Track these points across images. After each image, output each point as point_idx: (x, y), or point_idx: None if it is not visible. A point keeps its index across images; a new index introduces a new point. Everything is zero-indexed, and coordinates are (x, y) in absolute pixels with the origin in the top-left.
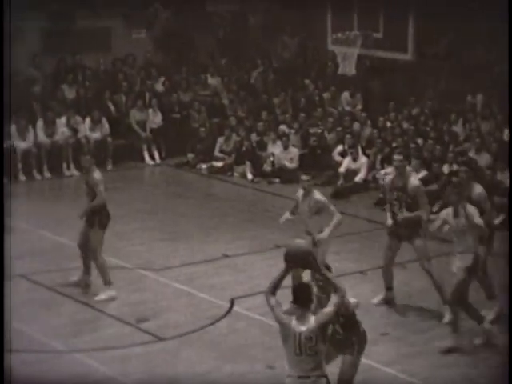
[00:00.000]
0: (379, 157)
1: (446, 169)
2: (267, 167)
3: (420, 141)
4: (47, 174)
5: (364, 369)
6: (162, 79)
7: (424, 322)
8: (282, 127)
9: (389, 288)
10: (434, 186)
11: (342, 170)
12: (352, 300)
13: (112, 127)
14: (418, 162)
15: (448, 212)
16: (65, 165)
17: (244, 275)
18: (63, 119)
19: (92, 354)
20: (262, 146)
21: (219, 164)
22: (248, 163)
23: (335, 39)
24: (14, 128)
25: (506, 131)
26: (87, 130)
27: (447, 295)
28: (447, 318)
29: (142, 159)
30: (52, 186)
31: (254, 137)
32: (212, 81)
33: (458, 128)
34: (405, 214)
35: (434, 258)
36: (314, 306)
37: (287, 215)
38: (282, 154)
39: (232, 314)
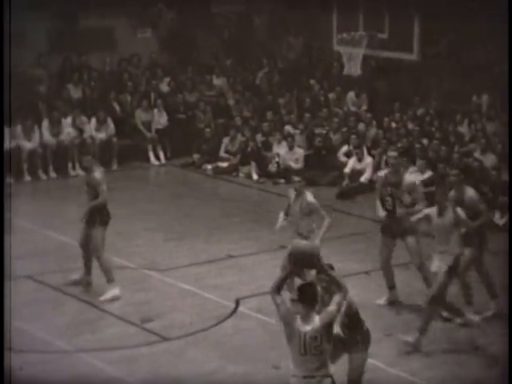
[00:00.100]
0: (384, 157)
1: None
2: (272, 168)
3: (425, 141)
4: (53, 174)
5: (368, 369)
6: (168, 79)
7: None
8: (288, 128)
9: (391, 287)
10: None
11: (347, 170)
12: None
13: (117, 127)
14: (423, 162)
15: (433, 210)
16: (70, 165)
17: (249, 275)
18: (69, 119)
19: (97, 354)
20: (268, 146)
21: (224, 164)
22: (253, 164)
23: (341, 40)
24: (19, 128)
25: None
26: (93, 130)
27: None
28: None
29: (148, 159)
30: (57, 186)
31: (259, 137)
32: (217, 81)
33: (463, 128)
34: (403, 210)
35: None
36: (318, 305)
37: (281, 220)
38: (288, 154)
39: (237, 314)
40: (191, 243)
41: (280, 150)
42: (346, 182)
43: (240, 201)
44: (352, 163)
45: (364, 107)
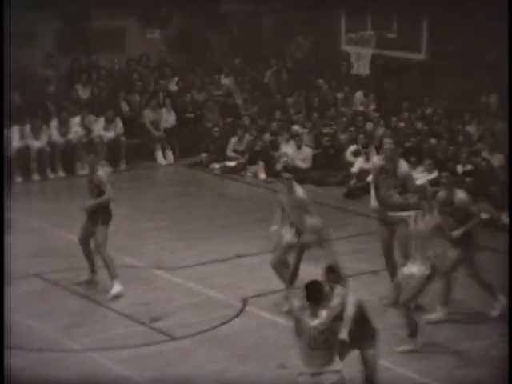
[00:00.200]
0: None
1: (459, 169)
2: (280, 167)
3: (433, 141)
4: (61, 173)
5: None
6: (176, 79)
7: (436, 323)
8: (295, 127)
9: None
10: None
11: (354, 169)
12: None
13: (126, 127)
14: (430, 162)
15: (411, 214)
16: (78, 164)
17: (257, 275)
18: (77, 119)
19: (105, 352)
20: (275, 145)
21: (232, 164)
22: (261, 163)
23: (349, 39)
24: (28, 127)
25: None
26: (101, 129)
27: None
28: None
29: (156, 159)
30: (66, 185)
31: (267, 136)
32: (226, 81)
33: (471, 128)
34: (396, 198)
35: None
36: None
37: (274, 230)
38: (295, 153)
39: (244, 313)
40: (199, 242)
41: (288, 149)
42: (353, 182)
43: (248, 200)
44: (360, 163)
45: (372, 107)
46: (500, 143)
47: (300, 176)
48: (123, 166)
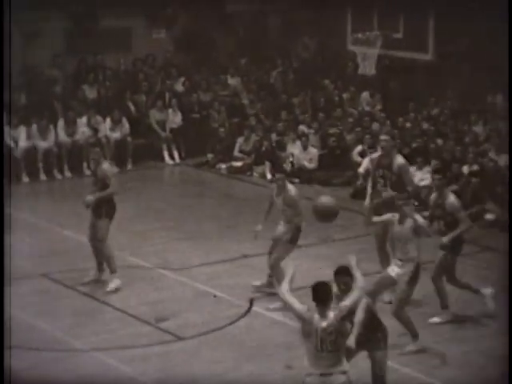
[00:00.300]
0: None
1: (465, 169)
2: (286, 167)
3: (440, 141)
4: (68, 173)
5: None
6: (182, 79)
7: (442, 324)
8: (302, 127)
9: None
10: (453, 187)
11: (361, 170)
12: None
13: (132, 127)
14: (437, 162)
15: (394, 216)
16: (85, 164)
17: (263, 275)
18: (84, 119)
19: (111, 352)
20: (282, 146)
21: (238, 164)
22: (267, 163)
23: (355, 39)
24: (35, 128)
25: None
26: (107, 129)
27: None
28: None
29: (162, 159)
30: (72, 185)
31: (273, 137)
32: (232, 81)
33: (478, 128)
34: (390, 192)
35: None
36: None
37: (259, 229)
38: (302, 154)
39: (251, 313)
40: (205, 242)
41: (294, 149)
42: (360, 182)
43: (254, 200)
44: (366, 163)
45: (378, 107)
46: (507, 143)
47: (306, 176)
48: (129, 166)
